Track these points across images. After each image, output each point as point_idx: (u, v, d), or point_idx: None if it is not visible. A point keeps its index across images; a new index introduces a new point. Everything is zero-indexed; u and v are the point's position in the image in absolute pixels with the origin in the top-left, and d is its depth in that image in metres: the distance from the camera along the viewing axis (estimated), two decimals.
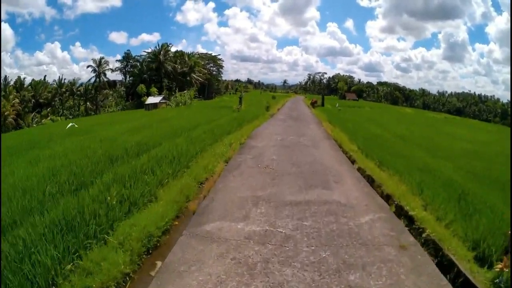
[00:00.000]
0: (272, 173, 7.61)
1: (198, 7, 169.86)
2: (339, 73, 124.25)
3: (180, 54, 68.88)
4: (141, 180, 5.84)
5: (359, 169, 8.24)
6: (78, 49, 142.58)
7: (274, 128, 16.38)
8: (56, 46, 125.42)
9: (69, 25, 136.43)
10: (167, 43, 67.30)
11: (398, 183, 6.59)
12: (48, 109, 59.36)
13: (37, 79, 64.79)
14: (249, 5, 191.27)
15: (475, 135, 23.03)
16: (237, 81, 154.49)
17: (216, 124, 15.84)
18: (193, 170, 7.05)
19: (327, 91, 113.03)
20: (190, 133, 12.26)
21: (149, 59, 65.16)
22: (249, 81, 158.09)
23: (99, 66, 68.38)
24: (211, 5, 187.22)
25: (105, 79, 68.02)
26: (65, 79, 65.74)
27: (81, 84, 65.20)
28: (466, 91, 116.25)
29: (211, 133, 12.53)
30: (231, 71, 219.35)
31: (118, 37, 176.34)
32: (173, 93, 64.33)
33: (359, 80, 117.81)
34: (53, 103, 62.82)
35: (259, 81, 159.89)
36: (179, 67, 65.38)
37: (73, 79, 66.71)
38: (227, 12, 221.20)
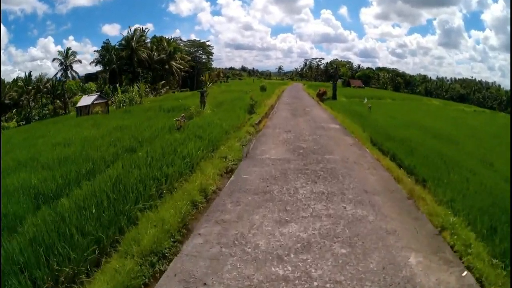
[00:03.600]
0: None
1: None
2: (336, 59, 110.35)
3: (157, 40, 55.34)
4: None
5: None
6: (72, 43, 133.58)
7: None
8: (49, 41, 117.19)
9: (61, 19, 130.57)
10: (142, 28, 53.75)
11: None
12: (14, 111, 47.48)
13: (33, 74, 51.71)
14: None
15: None
16: (231, 68, 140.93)
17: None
18: None
19: (324, 77, 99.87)
20: None
21: (120, 47, 51.74)
22: (243, 69, 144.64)
23: (66, 58, 55.09)
24: None
25: (74, 73, 54.92)
26: (31, 75, 53.11)
27: (48, 80, 52.28)
28: (462, 77, 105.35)
29: None
30: (226, 59, 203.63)
31: (111, 29, 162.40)
32: (149, 85, 52.13)
33: (359, 65, 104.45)
34: (20, 103, 50.70)
35: (253, 68, 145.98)
36: (155, 54, 52.11)
37: (40, 74, 53.44)
38: (219, 1, 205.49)
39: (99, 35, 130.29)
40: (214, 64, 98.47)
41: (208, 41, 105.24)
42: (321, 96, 24.58)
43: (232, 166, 7.02)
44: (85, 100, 21.41)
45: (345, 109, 16.21)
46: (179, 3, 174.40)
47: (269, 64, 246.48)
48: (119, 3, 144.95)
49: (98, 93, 21.16)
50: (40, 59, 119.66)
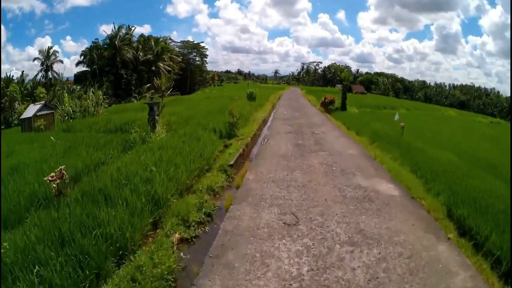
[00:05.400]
0: None
1: None
2: (335, 63, 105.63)
3: (144, 39, 49.85)
4: None
5: None
6: (69, 43, 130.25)
7: None
8: (47, 41, 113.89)
9: (59, 18, 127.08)
10: (128, 25, 48.10)
11: None
12: None
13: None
14: None
15: None
16: (227, 72, 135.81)
17: None
18: None
19: (322, 82, 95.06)
20: None
21: (104, 45, 46.17)
22: (239, 72, 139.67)
23: (47, 58, 49.34)
24: None
25: (55, 73, 49.04)
26: (13, 75, 47.14)
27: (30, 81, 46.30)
28: (459, 83, 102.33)
29: None
30: (222, 62, 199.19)
31: (108, 29, 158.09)
32: (133, 88, 46.62)
33: (357, 70, 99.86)
34: (1, 105, 45.00)
35: (249, 72, 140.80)
36: (141, 54, 46.65)
37: (21, 75, 47.30)
38: (217, 3, 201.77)
39: (96, 35, 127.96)
40: (211, 67, 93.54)
41: (202, 42, 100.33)
42: (326, 106, 19.45)
43: None
44: (29, 111, 16.02)
45: (369, 129, 11.05)
46: (177, 5, 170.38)
47: (265, 68, 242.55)
48: (117, 3, 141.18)
49: (42, 103, 15.76)
50: (37, 59, 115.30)
